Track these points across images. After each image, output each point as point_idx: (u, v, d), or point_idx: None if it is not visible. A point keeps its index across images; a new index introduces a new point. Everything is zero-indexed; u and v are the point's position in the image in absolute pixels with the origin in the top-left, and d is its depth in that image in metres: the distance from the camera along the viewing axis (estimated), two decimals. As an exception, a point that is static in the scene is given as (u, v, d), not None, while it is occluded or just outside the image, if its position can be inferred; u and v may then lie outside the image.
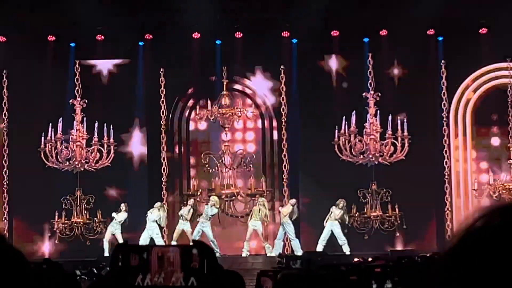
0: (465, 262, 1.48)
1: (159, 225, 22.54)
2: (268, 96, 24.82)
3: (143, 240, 22.03)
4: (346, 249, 22.29)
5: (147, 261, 4.14)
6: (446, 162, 24.27)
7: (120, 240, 22.24)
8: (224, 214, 23.28)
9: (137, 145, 24.51)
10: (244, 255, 22.26)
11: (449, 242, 1.56)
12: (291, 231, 22.41)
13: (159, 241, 22.29)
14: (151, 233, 22.30)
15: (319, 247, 22.28)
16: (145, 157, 24.52)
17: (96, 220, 23.21)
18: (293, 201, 22.73)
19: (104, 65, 24.47)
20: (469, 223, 1.54)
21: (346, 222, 22.62)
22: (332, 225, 22.41)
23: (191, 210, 22.46)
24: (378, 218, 23.05)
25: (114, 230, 22.64)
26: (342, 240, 22.37)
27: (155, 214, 22.42)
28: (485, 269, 1.46)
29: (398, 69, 24.25)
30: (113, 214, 22.64)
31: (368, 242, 22.99)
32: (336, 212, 22.40)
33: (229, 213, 23.44)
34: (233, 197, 23.14)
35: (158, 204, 22.64)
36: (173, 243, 22.33)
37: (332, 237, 22.51)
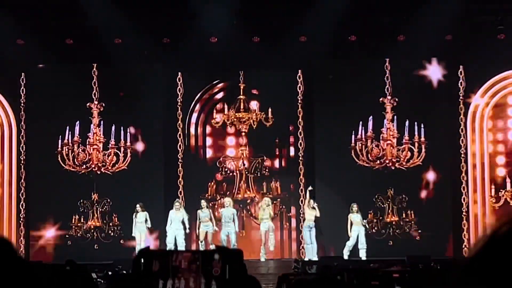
0: (489, 267, 1.47)
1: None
2: (284, 100, 24.79)
3: (170, 237, 22.04)
4: (363, 255, 22.23)
5: (169, 267, 4.15)
6: (463, 167, 24.18)
7: (143, 242, 22.29)
8: (241, 217, 23.26)
9: (154, 149, 24.51)
10: (262, 259, 22.22)
11: (474, 248, 1.55)
12: (313, 236, 22.33)
13: (182, 242, 22.21)
14: (177, 233, 22.25)
15: (362, 254, 22.19)
16: (162, 161, 24.53)
17: (111, 224, 23.25)
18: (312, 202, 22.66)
19: (123, 69, 24.50)
20: (494, 229, 1.53)
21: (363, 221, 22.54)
22: (359, 230, 22.31)
23: (210, 212, 22.47)
24: (394, 223, 22.99)
25: (139, 232, 22.57)
26: (363, 244, 22.31)
27: (180, 214, 22.37)
28: (509, 275, 1.45)
29: (415, 74, 24.16)
30: (134, 217, 22.57)
31: (384, 248, 22.94)
32: (354, 217, 22.32)
33: (246, 217, 23.43)
34: (250, 201, 23.17)
35: (178, 203, 22.60)
36: (200, 243, 22.36)
37: (344, 243, 22.47)
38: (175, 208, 22.42)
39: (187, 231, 22.47)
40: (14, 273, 1.76)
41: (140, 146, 24.00)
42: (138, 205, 22.60)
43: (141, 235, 22.47)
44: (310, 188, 22.67)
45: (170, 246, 21.86)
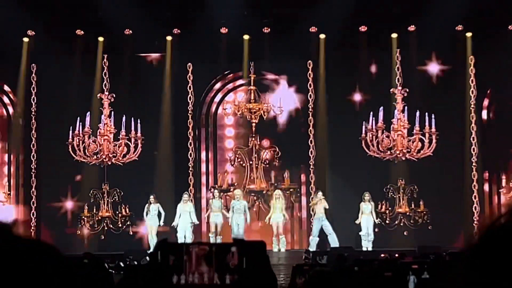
0: (488, 258, 1.48)
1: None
2: (295, 91, 24.80)
3: (180, 232, 22.09)
4: (369, 246, 22.18)
5: (185, 260, 4.16)
6: (473, 159, 24.15)
7: (154, 234, 22.35)
8: (252, 208, 23.23)
9: (164, 139, 24.54)
10: (275, 250, 22.20)
11: (473, 239, 1.56)
12: (328, 226, 22.28)
13: (190, 234, 22.24)
14: (186, 226, 22.27)
15: (368, 244, 22.16)
16: (173, 151, 24.57)
17: (120, 215, 23.28)
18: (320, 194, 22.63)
19: (132, 60, 24.51)
20: (493, 220, 1.54)
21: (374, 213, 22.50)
22: (368, 221, 22.28)
23: (221, 203, 22.48)
24: (405, 214, 22.97)
25: (153, 224, 22.60)
26: (371, 236, 22.29)
27: (188, 207, 22.40)
28: (508, 266, 1.46)
29: (426, 65, 24.11)
30: (146, 209, 22.57)
31: (395, 238, 22.93)
32: (365, 206, 22.29)
33: (257, 207, 23.40)
34: (262, 192, 23.15)
35: (186, 196, 22.63)
36: (211, 236, 22.34)
37: (355, 233, 22.44)
38: (183, 201, 22.42)
39: (196, 222, 22.47)
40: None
41: (150, 137, 24.00)
42: (151, 197, 22.61)
43: (153, 227, 22.49)
44: (320, 193, 22.64)
45: (181, 240, 21.83)
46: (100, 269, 4.52)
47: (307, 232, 24.07)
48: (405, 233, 22.96)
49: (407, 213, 22.98)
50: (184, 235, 22.08)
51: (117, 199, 23.49)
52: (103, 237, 23.15)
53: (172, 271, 4.13)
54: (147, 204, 22.54)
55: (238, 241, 4.08)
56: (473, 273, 1.48)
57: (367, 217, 22.29)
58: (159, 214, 22.51)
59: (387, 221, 22.94)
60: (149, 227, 22.55)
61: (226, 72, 24.88)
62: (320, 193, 22.61)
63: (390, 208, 23.10)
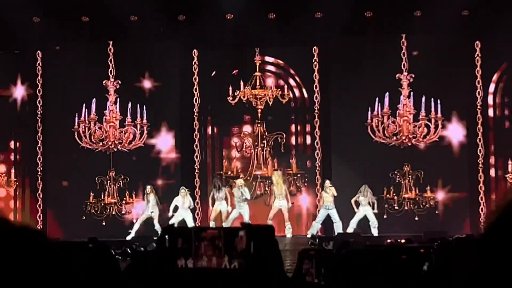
0: (503, 239, 1.47)
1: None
2: (300, 77, 24.77)
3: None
4: (375, 232, 22.25)
5: (192, 244, 4.16)
6: (480, 144, 24.11)
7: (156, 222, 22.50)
8: (258, 194, 23.21)
9: (170, 125, 24.56)
10: (288, 235, 22.29)
11: (488, 220, 1.55)
12: (335, 214, 22.35)
13: (190, 222, 22.35)
14: (186, 215, 22.36)
15: (349, 230, 22.27)
16: (178, 137, 24.59)
17: (124, 202, 23.31)
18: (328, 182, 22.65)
19: (138, 46, 24.48)
20: (507, 202, 1.53)
21: (376, 204, 22.52)
22: (365, 210, 22.37)
23: (225, 191, 22.54)
24: (411, 200, 22.96)
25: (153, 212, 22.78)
26: (374, 223, 22.34)
27: (187, 200, 22.46)
28: None
29: (431, 50, 24.01)
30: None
31: (401, 224, 22.93)
32: (362, 199, 22.34)
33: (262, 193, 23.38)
34: (267, 179, 23.13)
35: (183, 191, 22.64)
36: (211, 222, 22.42)
37: (362, 220, 22.50)
38: (181, 195, 22.46)
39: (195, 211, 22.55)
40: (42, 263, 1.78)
41: (156, 122, 24.02)
42: (148, 187, 22.81)
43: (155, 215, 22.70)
44: (328, 181, 22.67)
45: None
46: (105, 254, 4.52)
47: (312, 217, 24.08)
48: (416, 218, 22.95)
49: (413, 199, 22.94)
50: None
51: (121, 185, 23.52)
52: (104, 223, 23.16)
53: (180, 255, 4.13)
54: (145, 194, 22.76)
55: (246, 225, 4.07)
56: (489, 253, 1.47)
57: (364, 208, 22.31)
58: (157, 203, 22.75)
59: (390, 206, 22.91)
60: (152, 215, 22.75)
61: (231, 58, 24.80)
62: (328, 182, 22.63)
63: (396, 194, 23.07)
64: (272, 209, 22.36)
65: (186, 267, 4.09)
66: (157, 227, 22.41)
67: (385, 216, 22.59)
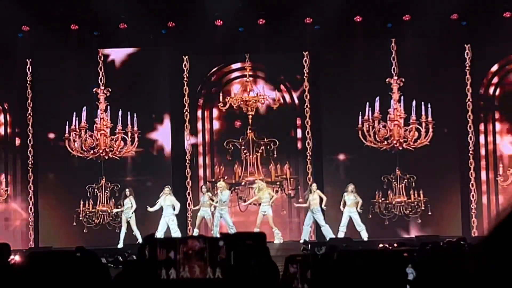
0: (503, 245, 1.47)
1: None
2: (291, 82, 24.77)
3: (161, 228, 22.09)
4: (364, 236, 22.20)
5: (174, 254, 4.14)
6: (470, 147, 24.13)
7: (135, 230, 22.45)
8: (243, 201, 23.11)
9: (160, 132, 24.55)
10: (277, 241, 22.19)
11: (493, 222, 1.54)
12: (320, 218, 22.31)
13: (174, 228, 22.18)
14: (168, 220, 22.28)
15: (340, 235, 22.23)
16: (169, 144, 24.58)
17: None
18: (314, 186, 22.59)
19: (127, 53, 24.49)
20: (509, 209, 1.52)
21: (360, 205, 22.42)
22: (349, 212, 22.30)
23: (208, 196, 22.42)
24: (402, 204, 22.97)
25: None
26: (360, 226, 22.28)
27: (169, 200, 22.37)
28: None
29: (421, 54, 24.05)
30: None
31: (392, 228, 22.95)
32: (347, 198, 22.30)
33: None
34: (255, 185, 23.04)
35: (167, 189, 22.55)
36: (196, 230, 22.37)
37: (352, 223, 22.47)
38: (165, 193, 22.40)
39: (176, 211, 22.37)
40: None
41: (147, 130, 24.00)
42: (127, 190, 22.76)
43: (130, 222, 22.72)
44: (314, 184, 22.64)
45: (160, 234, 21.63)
46: (94, 262, 4.51)
47: (304, 223, 24.05)
48: (419, 221, 22.96)
49: (404, 203, 22.93)
50: (164, 231, 21.98)
51: (116, 194, 23.48)
52: (86, 230, 23.06)
53: (161, 265, 4.11)
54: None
55: (225, 235, 4.06)
56: (494, 255, 1.46)
57: (349, 209, 22.26)
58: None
59: (381, 210, 22.89)
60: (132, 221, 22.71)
61: (222, 64, 24.81)
62: (314, 185, 22.59)
63: (387, 198, 23.06)
64: (258, 216, 22.25)
65: (168, 278, 4.08)
66: (136, 231, 22.42)
67: (370, 216, 22.59)
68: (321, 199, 22.31)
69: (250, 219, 22.90)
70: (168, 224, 22.20)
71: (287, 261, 6.15)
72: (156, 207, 22.38)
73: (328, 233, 22.15)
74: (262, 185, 22.20)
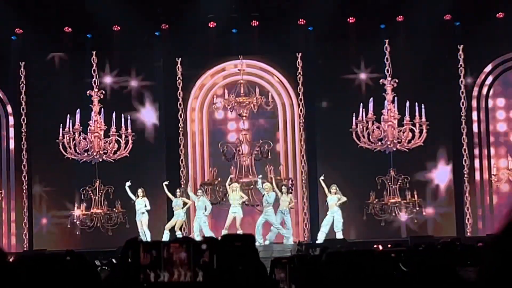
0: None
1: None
2: (285, 84, 24.77)
3: (196, 230, 22.03)
4: (340, 237, 22.09)
5: (156, 258, 4.14)
6: (464, 148, 24.16)
7: (145, 230, 22.39)
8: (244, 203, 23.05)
9: (154, 134, 24.55)
10: (266, 243, 22.10)
11: (502, 224, 1.54)
12: (288, 220, 22.18)
13: (208, 231, 22.00)
14: (200, 221, 22.11)
15: (321, 236, 22.09)
16: (164, 147, 24.56)
17: (116, 211, 23.22)
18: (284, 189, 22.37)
19: (122, 56, 24.49)
20: None
21: (344, 202, 22.34)
22: (333, 213, 22.20)
23: (202, 201, 22.29)
24: (396, 204, 22.95)
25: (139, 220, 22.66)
26: (338, 228, 22.14)
27: (202, 201, 22.17)
28: None
29: (415, 55, 24.07)
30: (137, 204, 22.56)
31: (387, 229, 22.95)
32: (329, 199, 22.23)
33: (247, 202, 23.24)
34: (251, 186, 22.99)
35: (200, 191, 22.39)
36: (178, 232, 22.28)
37: (345, 225, 22.41)
38: (198, 194, 22.24)
39: (207, 212, 22.26)
40: None
41: (141, 133, 24.00)
42: (140, 190, 22.65)
43: (142, 222, 22.55)
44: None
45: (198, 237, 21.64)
46: (83, 265, 4.50)
47: (299, 225, 24.07)
48: (415, 221, 22.97)
49: (398, 203, 22.91)
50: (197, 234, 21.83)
51: (110, 196, 23.45)
52: (78, 232, 23.01)
53: (144, 269, 4.11)
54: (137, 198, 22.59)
55: (208, 239, 4.06)
56: (504, 255, 1.46)
57: (332, 211, 22.18)
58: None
59: (376, 211, 22.87)
60: (138, 223, 22.58)
61: (215, 66, 24.81)
62: (284, 187, 22.29)
63: (382, 199, 23.05)
64: (228, 218, 22.13)
65: (150, 282, 4.08)
66: (146, 231, 22.40)
67: (364, 218, 22.58)
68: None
69: (248, 220, 22.94)
70: (201, 225, 22.07)
71: (273, 264, 6.14)
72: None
73: (288, 237, 21.92)
74: (236, 186, 22.10)
